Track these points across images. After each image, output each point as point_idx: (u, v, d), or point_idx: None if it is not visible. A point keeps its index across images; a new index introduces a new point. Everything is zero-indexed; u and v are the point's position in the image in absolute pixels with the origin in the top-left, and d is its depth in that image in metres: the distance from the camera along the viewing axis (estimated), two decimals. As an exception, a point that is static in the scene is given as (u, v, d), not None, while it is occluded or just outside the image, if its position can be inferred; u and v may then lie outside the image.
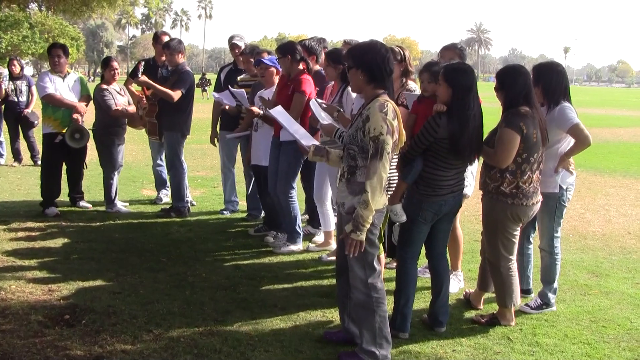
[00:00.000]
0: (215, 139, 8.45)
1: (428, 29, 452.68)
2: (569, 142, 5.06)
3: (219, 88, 8.25)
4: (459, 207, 4.81)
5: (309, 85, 6.47)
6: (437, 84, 4.66)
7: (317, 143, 4.76)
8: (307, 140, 4.91)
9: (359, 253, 3.97)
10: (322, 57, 7.13)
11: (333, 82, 6.46)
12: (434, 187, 4.53)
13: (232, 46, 8.29)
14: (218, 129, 8.42)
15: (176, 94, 7.83)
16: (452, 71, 4.57)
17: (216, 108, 8.31)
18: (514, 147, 4.58)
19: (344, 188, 4.08)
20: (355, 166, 3.98)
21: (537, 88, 5.08)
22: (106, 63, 8.28)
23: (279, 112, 5.38)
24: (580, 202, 9.89)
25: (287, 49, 6.53)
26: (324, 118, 5.38)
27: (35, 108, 12.36)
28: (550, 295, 5.27)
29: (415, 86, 5.72)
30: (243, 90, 7.33)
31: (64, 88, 8.03)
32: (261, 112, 6.79)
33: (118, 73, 8.29)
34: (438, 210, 4.57)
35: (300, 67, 6.52)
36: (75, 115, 7.93)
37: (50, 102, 7.93)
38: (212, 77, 33.16)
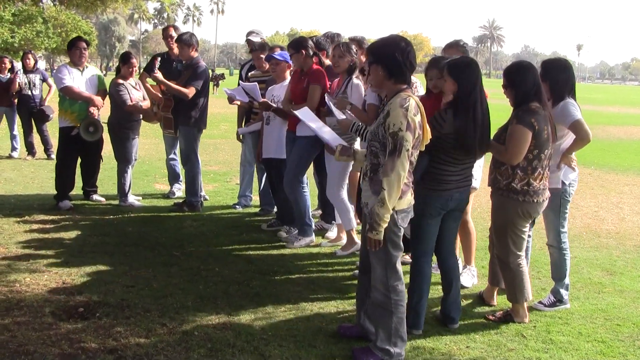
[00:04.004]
0: (242, 135, 8.42)
1: (440, 26, 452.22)
2: (571, 138, 5.04)
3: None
4: (465, 204, 4.79)
5: (323, 78, 6.48)
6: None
7: (345, 143, 4.73)
8: (334, 140, 4.90)
9: (382, 255, 3.95)
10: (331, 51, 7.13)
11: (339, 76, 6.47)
12: (440, 181, 4.51)
13: (249, 43, 8.24)
14: (243, 124, 8.39)
15: (190, 92, 7.83)
16: (457, 66, 4.57)
17: (242, 104, 8.28)
18: (525, 143, 4.56)
19: (367, 187, 4.03)
20: (378, 164, 3.92)
21: (544, 84, 5.05)
22: (126, 59, 8.24)
23: (304, 113, 5.36)
24: (594, 200, 9.83)
25: (300, 45, 6.55)
26: (340, 113, 5.38)
27: (50, 102, 12.41)
28: (563, 291, 5.24)
29: (416, 80, 5.70)
30: (255, 83, 7.32)
31: (82, 81, 8.05)
32: (273, 105, 6.80)
33: (136, 70, 8.30)
34: (444, 205, 4.55)
35: (313, 61, 6.54)
36: (91, 109, 7.96)
37: (68, 95, 7.94)
38: (221, 71, 33.20)
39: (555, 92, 5.07)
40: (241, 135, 8.40)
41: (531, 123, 4.55)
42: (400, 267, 4.09)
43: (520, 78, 4.71)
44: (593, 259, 6.71)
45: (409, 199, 4.00)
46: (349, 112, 5.78)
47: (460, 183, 4.58)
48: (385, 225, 3.83)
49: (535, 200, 4.72)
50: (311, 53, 6.55)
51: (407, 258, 5.58)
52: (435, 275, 5.35)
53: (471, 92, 4.43)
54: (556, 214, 5.15)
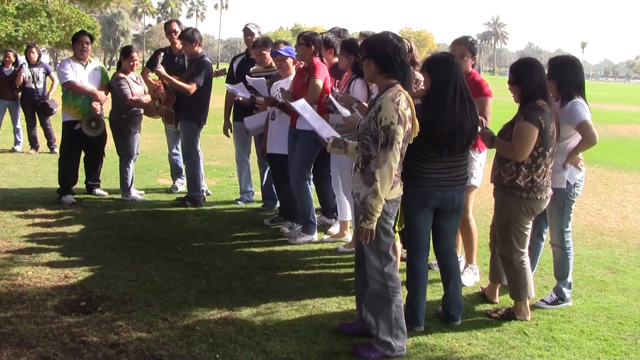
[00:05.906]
0: (229, 130, 8.43)
1: (444, 22, 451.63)
2: (578, 138, 4.98)
3: (231, 78, 8.18)
4: (457, 204, 4.66)
5: (323, 71, 6.51)
6: None
7: (337, 135, 4.76)
8: (326, 132, 4.89)
9: (375, 243, 4.03)
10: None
11: (347, 72, 6.46)
12: (415, 178, 4.48)
13: (246, 31, 8.14)
14: (231, 119, 8.39)
15: (192, 87, 7.83)
16: (431, 61, 4.61)
17: (229, 99, 8.27)
18: (532, 141, 4.55)
19: (358, 178, 4.10)
20: (369, 156, 4.02)
21: (551, 82, 5.02)
22: (126, 53, 8.24)
23: (300, 105, 5.36)
24: (597, 198, 9.81)
25: (313, 40, 6.57)
26: (345, 110, 5.35)
27: (54, 95, 12.41)
28: (565, 290, 5.23)
29: (421, 77, 5.67)
30: (262, 78, 7.29)
31: (84, 76, 8.04)
32: (279, 101, 6.78)
33: (137, 64, 8.28)
34: (422, 202, 4.51)
35: (316, 57, 6.55)
36: (94, 104, 7.95)
37: (71, 90, 7.94)
38: (224, 66, 33.00)
39: (563, 91, 5.01)
40: (229, 130, 8.39)
41: (538, 120, 4.53)
42: (393, 255, 4.15)
43: (527, 75, 4.69)
44: (596, 257, 6.70)
45: (398, 190, 4.12)
46: (356, 109, 5.76)
47: (441, 182, 4.52)
48: (378, 215, 3.94)
49: (539, 197, 4.71)
50: (317, 53, 6.59)
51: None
52: (436, 272, 5.35)
53: (443, 88, 4.42)
54: (560, 213, 5.12)
